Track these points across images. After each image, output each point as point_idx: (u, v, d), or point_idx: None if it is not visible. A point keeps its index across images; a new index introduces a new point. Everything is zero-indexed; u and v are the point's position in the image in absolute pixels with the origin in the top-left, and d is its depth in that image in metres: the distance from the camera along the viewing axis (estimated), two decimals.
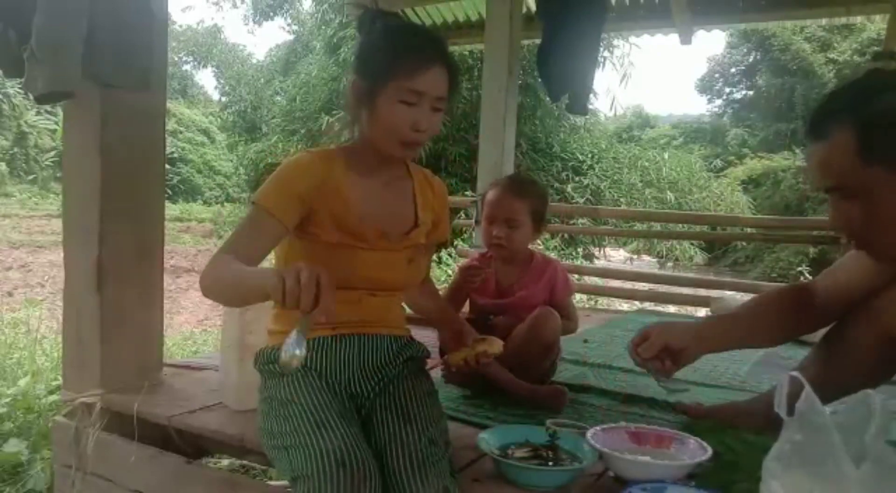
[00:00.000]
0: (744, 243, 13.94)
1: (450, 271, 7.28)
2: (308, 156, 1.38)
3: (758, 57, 20.71)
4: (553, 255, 7.98)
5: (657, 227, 6.49)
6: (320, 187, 1.34)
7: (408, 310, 1.60)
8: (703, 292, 4.15)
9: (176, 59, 21.84)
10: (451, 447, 1.28)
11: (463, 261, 2.02)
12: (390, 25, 1.39)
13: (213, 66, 21.13)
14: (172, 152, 20.19)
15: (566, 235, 9.64)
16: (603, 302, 5.50)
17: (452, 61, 1.35)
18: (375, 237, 1.37)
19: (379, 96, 1.30)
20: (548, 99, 3.83)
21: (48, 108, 14.44)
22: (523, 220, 1.84)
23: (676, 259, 12.36)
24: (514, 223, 1.83)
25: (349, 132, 1.43)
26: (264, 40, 76.29)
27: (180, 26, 22.04)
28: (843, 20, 9.29)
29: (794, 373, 0.98)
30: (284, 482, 1.47)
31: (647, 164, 12.02)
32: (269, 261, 1.45)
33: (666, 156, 12.83)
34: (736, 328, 1.50)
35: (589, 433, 1.34)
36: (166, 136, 2.00)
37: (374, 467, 1.13)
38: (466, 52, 9.17)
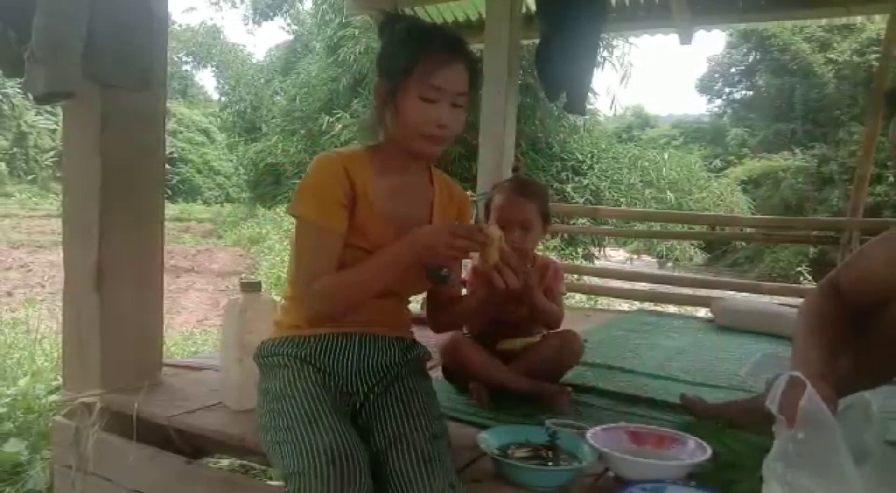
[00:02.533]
0: (744, 243, 13.93)
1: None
2: (334, 159, 1.38)
3: (757, 57, 20.67)
4: (553, 255, 7.98)
5: (657, 227, 6.49)
6: (352, 191, 1.36)
7: (415, 310, 1.60)
8: (702, 292, 4.14)
9: (176, 59, 21.78)
10: (451, 447, 1.29)
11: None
12: (411, 25, 1.41)
13: (212, 67, 21.10)
14: (172, 152, 20.21)
15: (566, 235, 9.63)
16: (603, 302, 5.49)
17: (472, 58, 1.38)
18: (392, 241, 1.36)
19: (401, 95, 1.33)
20: (546, 98, 3.84)
21: (48, 108, 14.44)
22: (535, 221, 1.85)
23: (676, 259, 12.37)
24: (528, 225, 1.84)
25: (374, 134, 1.45)
26: (264, 40, 76.52)
27: (180, 26, 22.01)
28: (843, 20, 9.30)
29: (795, 373, 0.98)
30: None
31: (647, 164, 12.02)
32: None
33: (666, 156, 12.83)
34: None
35: (589, 433, 1.34)
36: (166, 136, 2.00)
37: (364, 461, 1.15)
38: None
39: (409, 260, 1.31)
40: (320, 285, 1.33)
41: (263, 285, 1.83)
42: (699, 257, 13.45)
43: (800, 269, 9.83)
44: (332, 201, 1.34)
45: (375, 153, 1.43)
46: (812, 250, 12.24)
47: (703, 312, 4.14)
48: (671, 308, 4.94)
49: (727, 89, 23.58)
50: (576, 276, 5.11)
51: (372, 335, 1.41)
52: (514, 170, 2.03)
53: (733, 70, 22.56)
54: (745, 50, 21.35)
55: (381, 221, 1.37)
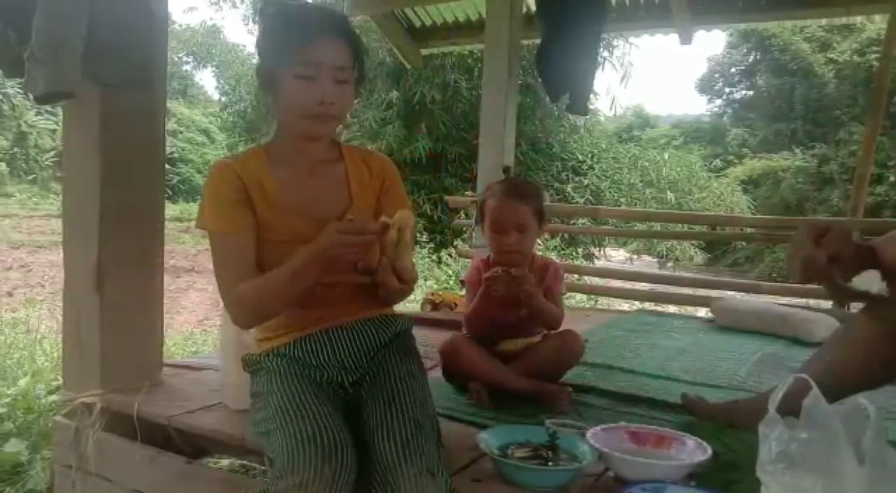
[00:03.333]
0: (744, 243, 13.93)
1: (450, 272, 7.27)
2: (221, 163, 1.41)
3: (758, 57, 20.66)
4: (553, 255, 7.98)
5: (657, 227, 6.49)
6: (245, 190, 1.36)
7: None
8: (702, 292, 4.14)
9: (176, 59, 21.80)
10: (435, 427, 1.28)
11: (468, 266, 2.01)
12: (282, 9, 1.40)
13: (213, 66, 21.10)
14: (172, 152, 20.15)
15: (566, 235, 9.63)
16: (603, 302, 5.50)
17: (350, 32, 1.36)
18: (307, 228, 1.33)
19: (279, 79, 1.32)
20: (548, 99, 3.82)
21: (48, 108, 14.41)
22: (531, 222, 1.84)
23: (676, 259, 12.35)
24: (523, 227, 1.83)
25: (268, 126, 1.46)
26: None
27: (180, 26, 22.03)
28: (843, 20, 9.29)
29: (801, 374, 0.99)
30: None
31: (647, 164, 12.01)
32: None
33: (666, 156, 12.82)
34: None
35: (589, 433, 1.34)
36: (166, 136, 2.00)
37: (346, 442, 1.17)
38: (466, 52, 9.18)
39: (313, 271, 1.28)
40: (238, 294, 1.33)
41: None
42: (699, 257, 13.44)
43: None
44: (227, 204, 1.34)
45: (271, 147, 1.45)
46: None
47: (703, 312, 4.14)
48: (671, 308, 4.94)
49: (727, 89, 23.56)
50: (576, 276, 5.11)
51: (338, 326, 1.39)
52: (506, 171, 2.01)
53: (733, 70, 22.55)
54: (745, 50, 21.34)
55: (284, 211, 1.37)
